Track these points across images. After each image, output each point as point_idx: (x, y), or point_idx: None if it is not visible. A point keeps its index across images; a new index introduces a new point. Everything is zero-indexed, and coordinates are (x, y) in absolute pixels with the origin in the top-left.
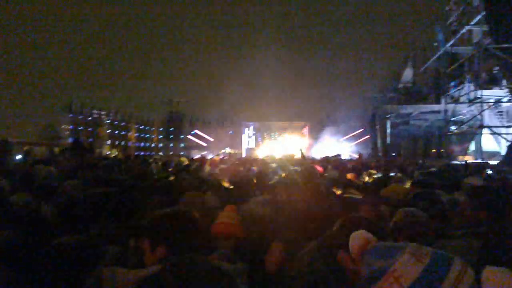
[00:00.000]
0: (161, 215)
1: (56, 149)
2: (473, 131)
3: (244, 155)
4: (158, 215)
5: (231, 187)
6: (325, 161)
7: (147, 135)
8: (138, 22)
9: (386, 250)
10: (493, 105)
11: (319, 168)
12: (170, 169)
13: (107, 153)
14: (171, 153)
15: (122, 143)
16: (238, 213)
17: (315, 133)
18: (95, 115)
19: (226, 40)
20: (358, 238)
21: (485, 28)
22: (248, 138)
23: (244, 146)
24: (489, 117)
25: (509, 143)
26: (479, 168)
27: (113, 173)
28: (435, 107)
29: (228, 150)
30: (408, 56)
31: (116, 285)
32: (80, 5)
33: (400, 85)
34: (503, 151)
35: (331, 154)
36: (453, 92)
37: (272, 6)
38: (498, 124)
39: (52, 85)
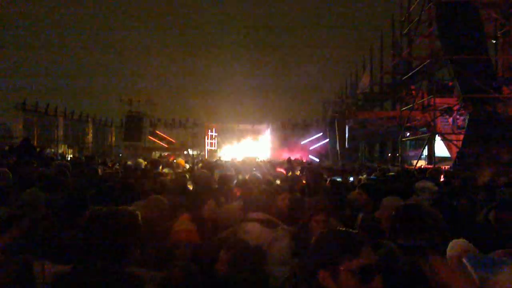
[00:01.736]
0: None
1: (7, 148)
2: (426, 137)
3: (206, 156)
4: None
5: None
6: (289, 163)
7: (105, 135)
8: (96, 18)
9: (489, 262)
10: (444, 112)
11: (282, 171)
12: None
13: (61, 152)
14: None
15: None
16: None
17: (277, 136)
18: (50, 114)
19: (188, 40)
20: (456, 246)
21: (438, 39)
22: (210, 140)
23: (207, 147)
24: (441, 124)
25: (458, 149)
26: (434, 173)
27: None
28: (391, 113)
29: (190, 151)
30: (366, 63)
31: (45, 279)
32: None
33: (358, 91)
34: (454, 157)
35: (292, 157)
36: (408, 99)
37: (233, 8)
38: (449, 131)
39: (4, 81)
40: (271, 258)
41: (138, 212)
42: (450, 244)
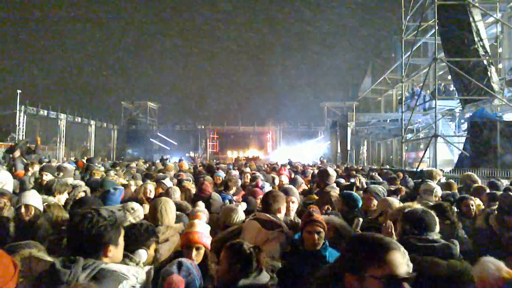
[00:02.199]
0: None
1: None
2: (428, 139)
3: (208, 158)
4: None
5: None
6: (290, 165)
7: (107, 137)
8: (101, 20)
9: None
10: (446, 115)
11: (285, 173)
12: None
13: (62, 156)
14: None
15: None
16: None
17: (279, 138)
18: (51, 115)
19: (190, 43)
20: (495, 269)
21: (439, 41)
22: (212, 142)
23: (208, 150)
24: (443, 127)
25: (460, 152)
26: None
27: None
28: (392, 115)
29: (192, 153)
30: (367, 66)
31: (33, 272)
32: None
33: (360, 94)
34: (456, 159)
35: (294, 159)
36: (409, 101)
37: (236, 12)
38: (451, 133)
39: (6, 82)
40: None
41: (119, 214)
42: (480, 264)
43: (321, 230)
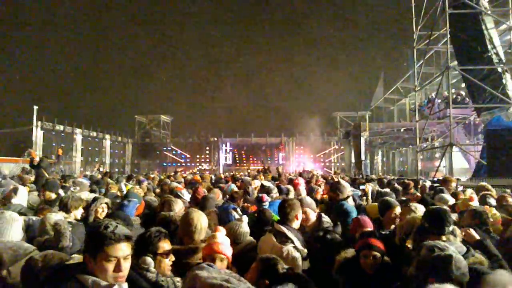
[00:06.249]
0: None
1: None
2: (443, 148)
3: (221, 170)
4: None
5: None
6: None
7: (122, 151)
8: (115, 36)
9: None
10: (461, 123)
11: (300, 183)
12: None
13: (81, 169)
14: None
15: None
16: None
17: (292, 149)
18: (67, 130)
19: (202, 56)
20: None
21: (451, 49)
22: (225, 154)
23: (222, 162)
24: (457, 135)
25: (477, 161)
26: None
27: None
28: (406, 124)
29: (204, 166)
30: (380, 75)
31: None
32: (56, 11)
33: (372, 103)
34: (472, 168)
35: (307, 169)
36: (423, 110)
37: (247, 22)
38: (467, 142)
39: (23, 98)
40: None
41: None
42: (498, 276)
43: (378, 254)
